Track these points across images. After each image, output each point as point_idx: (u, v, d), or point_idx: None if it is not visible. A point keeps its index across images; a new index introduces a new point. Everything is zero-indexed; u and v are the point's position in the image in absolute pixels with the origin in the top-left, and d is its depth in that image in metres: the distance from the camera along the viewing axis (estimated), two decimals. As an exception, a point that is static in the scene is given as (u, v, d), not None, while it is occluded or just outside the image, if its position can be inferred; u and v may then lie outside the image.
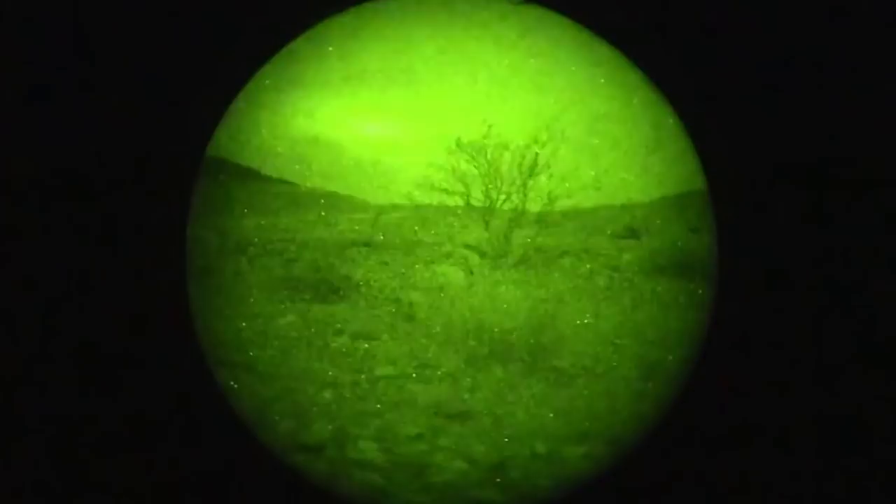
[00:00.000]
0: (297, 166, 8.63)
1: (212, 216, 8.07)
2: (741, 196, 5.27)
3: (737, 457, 5.17)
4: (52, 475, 5.04)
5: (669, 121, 5.48)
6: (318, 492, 5.27)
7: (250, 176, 8.76)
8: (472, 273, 9.15)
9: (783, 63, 5.22)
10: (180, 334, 5.22)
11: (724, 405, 5.20)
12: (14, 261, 5.13)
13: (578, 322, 8.17)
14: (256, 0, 5.26)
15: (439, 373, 7.00)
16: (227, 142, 7.25)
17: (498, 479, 5.36)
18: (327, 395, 6.41)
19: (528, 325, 7.49)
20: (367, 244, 9.58)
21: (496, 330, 7.44)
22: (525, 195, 9.22)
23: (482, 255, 9.32)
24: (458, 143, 8.92)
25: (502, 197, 9.28)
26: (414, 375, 6.94)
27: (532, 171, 9.09)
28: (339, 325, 7.97)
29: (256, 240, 9.10)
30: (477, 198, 9.27)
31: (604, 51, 5.73)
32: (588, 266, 9.54)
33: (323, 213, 9.62)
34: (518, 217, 9.29)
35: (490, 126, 8.80)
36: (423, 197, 9.01)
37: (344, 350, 7.44)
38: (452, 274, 9.08)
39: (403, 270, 9.12)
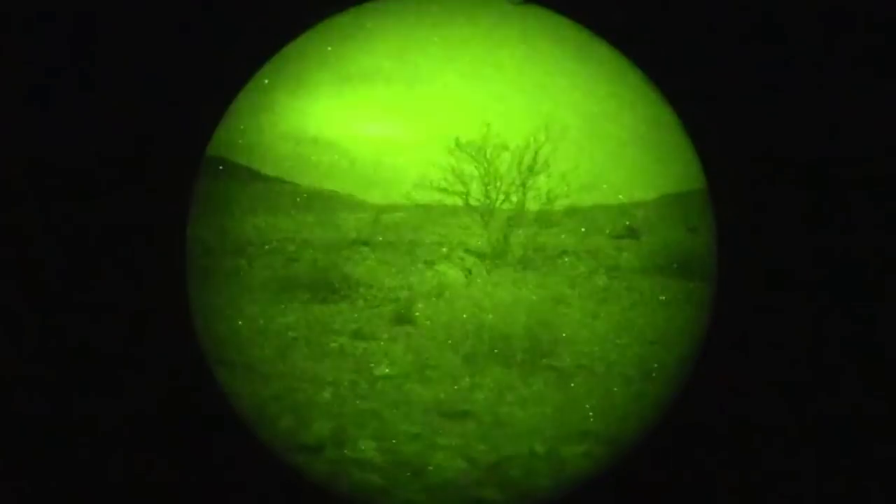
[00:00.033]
0: (296, 166, 8.64)
1: (212, 216, 8.08)
2: (741, 196, 5.27)
3: (736, 456, 5.18)
4: (53, 475, 5.04)
5: (669, 120, 5.48)
6: (318, 491, 5.27)
7: (250, 176, 8.77)
8: (471, 273, 9.16)
9: (783, 63, 5.22)
10: (180, 334, 5.22)
11: (724, 405, 5.20)
12: (14, 261, 5.12)
13: (577, 321, 8.18)
14: (256, 0, 5.26)
15: (438, 373, 7.01)
16: (227, 142, 7.26)
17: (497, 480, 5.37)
18: (327, 394, 6.41)
19: (527, 325, 7.50)
20: (366, 244, 9.60)
21: (495, 330, 7.45)
22: (524, 195, 9.24)
23: (481, 254, 9.34)
24: (458, 143, 8.94)
25: (501, 196, 9.30)
26: (413, 375, 6.94)
27: (531, 171, 9.11)
28: (338, 325, 7.99)
29: (256, 240, 9.12)
30: (476, 197, 9.29)
31: (604, 51, 5.73)
32: (587, 266, 9.56)
33: (322, 213, 9.62)
34: (517, 216, 9.31)
35: (489, 126, 8.83)
36: (422, 197, 9.03)
37: (343, 350, 7.45)
38: (452, 274, 9.10)
39: (403, 270, 9.13)
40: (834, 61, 5.20)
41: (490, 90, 8.43)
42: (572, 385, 6.82)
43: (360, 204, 10.02)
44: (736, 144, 5.25)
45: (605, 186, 8.69)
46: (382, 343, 7.65)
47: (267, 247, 9.11)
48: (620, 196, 9.12)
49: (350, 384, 6.67)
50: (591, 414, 6.22)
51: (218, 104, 5.44)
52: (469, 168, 9.13)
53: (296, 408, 6.09)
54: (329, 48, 7.46)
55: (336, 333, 7.78)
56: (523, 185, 9.17)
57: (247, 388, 6.31)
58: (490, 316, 7.57)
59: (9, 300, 5.12)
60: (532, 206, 9.25)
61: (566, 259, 9.52)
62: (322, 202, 9.90)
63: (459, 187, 9.18)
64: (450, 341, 7.50)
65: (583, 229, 9.77)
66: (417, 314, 8.15)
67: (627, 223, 10.09)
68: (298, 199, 9.52)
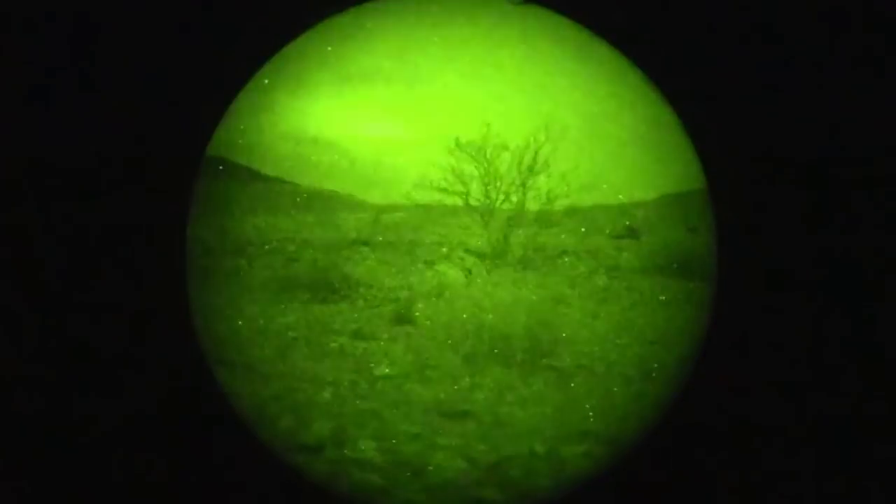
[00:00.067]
0: (296, 166, 8.64)
1: (212, 216, 8.08)
2: (741, 196, 5.27)
3: (736, 456, 5.18)
4: (53, 475, 5.04)
5: (669, 120, 5.48)
6: (318, 491, 5.27)
7: (250, 176, 8.77)
8: (471, 273, 9.16)
9: (783, 63, 5.22)
10: (180, 334, 5.22)
11: (724, 405, 5.20)
12: (14, 261, 5.12)
13: (577, 321, 8.18)
14: (256, 0, 5.27)
15: (438, 373, 7.01)
16: (227, 142, 7.26)
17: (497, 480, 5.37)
18: (327, 394, 6.41)
19: (527, 325, 7.50)
20: (366, 244, 9.60)
21: (495, 330, 7.44)
22: (524, 195, 9.24)
23: (481, 254, 9.34)
24: (458, 143, 8.94)
25: (501, 196, 9.30)
26: (413, 375, 6.94)
27: (531, 171, 9.11)
28: (338, 325, 7.99)
29: (256, 240, 9.12)
30: (476, 197, 9.29)
31: (604, 51, 5.74)
32: (587, 266, 9.56)
33: (322, 213, 9.63)
34: (517, 216, 9.31)
35: (489, 126, 8.83)
36: (422, 197, 9.03)
37: (343, 350, 7.45)
38: (452, 274, 9.09)
39: (403, 270, 9.13)
40: (834, 61, 5.21)
41: (490, 90, 8.44)
42: (572, 385, 6.82)
43: (360, 204, 10.02)
44: (736, 144, 5.25)
45: (605, 186, 8.69)
46: (382, 343, 7.65)
47: (267, 247, 9.11)
48: (620, 196, 9.12)
49: (350, 384, 6.67)
50: (591, 414, 6.21)
51: (218, 104, 5.44)
52: (469, 168, 9.13)
53: (296, 408, 6.09)
54: (329, 48, 7.47)
55: (336, 333, 7.78)
56: (523, 185, 9.18)
57: (247, 388, 6.31)
58: (490, 316, 7.57)
59: (9, 300, 5.12)
60: (532, 206, 9.25)
61: (566, 259, 9.52)
62: (322, 202, 9.90)
63: (459, 187, 9.18)
64: (450, 341, 7.50)
65: (583, 229, 9.77)
66: (417, 314, 8.15)
67: (627, 223, 10.10)
68: (298, 199, 9.52)
